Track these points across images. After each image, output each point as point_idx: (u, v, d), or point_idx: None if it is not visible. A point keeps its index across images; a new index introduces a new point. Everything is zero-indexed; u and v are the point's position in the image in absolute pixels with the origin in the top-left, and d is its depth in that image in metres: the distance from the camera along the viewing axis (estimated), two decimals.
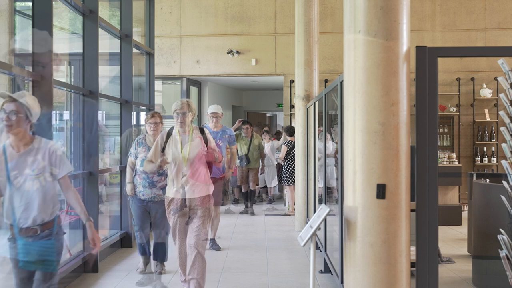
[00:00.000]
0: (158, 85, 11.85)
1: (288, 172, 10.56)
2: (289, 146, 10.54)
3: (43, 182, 3.49)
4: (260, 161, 11.16)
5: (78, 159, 6.44)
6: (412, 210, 3.39)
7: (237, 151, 10.32)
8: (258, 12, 11.88)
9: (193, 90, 13.14)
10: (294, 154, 10.19)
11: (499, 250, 4.15)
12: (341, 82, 4.49)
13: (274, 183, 11.95)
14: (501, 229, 4.22)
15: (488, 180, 5.97)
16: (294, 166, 10.15)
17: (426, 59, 3.29)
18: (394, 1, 3.42)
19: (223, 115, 7.50)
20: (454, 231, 8.61)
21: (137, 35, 8.84)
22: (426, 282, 3.30)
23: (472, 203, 6.13)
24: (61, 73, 7.68)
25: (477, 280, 5.62)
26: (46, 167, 3.50)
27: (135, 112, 8.61)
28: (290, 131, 10.55)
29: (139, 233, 5.80)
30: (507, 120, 4.24)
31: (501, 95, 4.32)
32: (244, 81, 13.50)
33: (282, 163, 10.82)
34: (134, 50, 8.10)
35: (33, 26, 5.10)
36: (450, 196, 9.33)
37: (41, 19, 5.11)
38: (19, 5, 7.48)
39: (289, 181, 10.54)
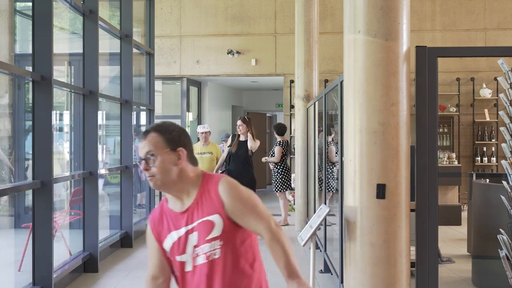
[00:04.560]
0: (158, 85, 11.85)
1: (282, 177, 9.29)
2: (284, 146, 9.25)
3: None
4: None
5: (78, 159, 6.44)
6: (412, 210, 3.39)
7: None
8: (258, 12, 11.88)
9: (193, 90, 13.13)
10: (286, 156, 9.31)
11: (499, 250, 4.15)
12: (341, 82, 4.49)
13: None
14: (501, 229, 4.22)
15: (488, 180, 5.97)
16: (287, 170, 9.32)
17: (426, 59, 3.30)
18: (394, 1, 3.42)
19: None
20: (454, 231, 8.61)
21: (137, 35, 8.84)
22: (426, 282, 3.30)
23: (472, 203, 6.14)
24: (61, 73, 7.69)
25: (477, 280, 5.62)
26: None
27: (135, 112, 8.61)
28: (282, 129, 9.41)
29: None
30: (507, 120, 4.24)
31: (501, 95, 4.33)
32: (244, 81, 13.49)
33: (273, 168, 9.42)
34: (134, 50, 8.10)
35: (33, 26, 5.10)
36: (450, 196, 9.33)
37: (41, 19, 5.11)
38: (19, 5, 7.49)
39: (282, 187, 9.32)
